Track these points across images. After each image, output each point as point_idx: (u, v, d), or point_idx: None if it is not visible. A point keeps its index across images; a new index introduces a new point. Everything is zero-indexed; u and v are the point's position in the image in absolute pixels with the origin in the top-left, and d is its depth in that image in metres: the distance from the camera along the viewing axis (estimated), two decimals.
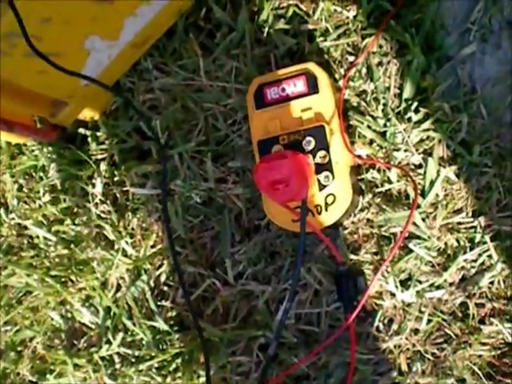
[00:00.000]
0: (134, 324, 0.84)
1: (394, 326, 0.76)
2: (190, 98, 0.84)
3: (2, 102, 0.73)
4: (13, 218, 0.94)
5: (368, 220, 0.77)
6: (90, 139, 0.89)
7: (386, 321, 0.76)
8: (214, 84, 0.84)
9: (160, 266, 0.85)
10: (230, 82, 0.83)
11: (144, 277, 0.85)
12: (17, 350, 0.93)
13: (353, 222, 0.77)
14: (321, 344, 0.75)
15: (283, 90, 0.74)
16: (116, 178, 0.87)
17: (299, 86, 0.74)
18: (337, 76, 0.80)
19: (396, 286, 0.75)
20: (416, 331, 0.75)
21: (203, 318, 0.82)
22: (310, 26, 0.81)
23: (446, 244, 0.75)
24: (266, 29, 0.82)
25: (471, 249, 0.74)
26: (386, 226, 0.76)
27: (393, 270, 0.75)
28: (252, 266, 0.80)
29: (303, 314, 0.78)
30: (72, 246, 0.89)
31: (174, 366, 0.82)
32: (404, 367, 0.75)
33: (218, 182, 0.83)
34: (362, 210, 0.77)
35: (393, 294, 0.75)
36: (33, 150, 0.92)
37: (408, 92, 0.77)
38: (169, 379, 0.82)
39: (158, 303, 0.84)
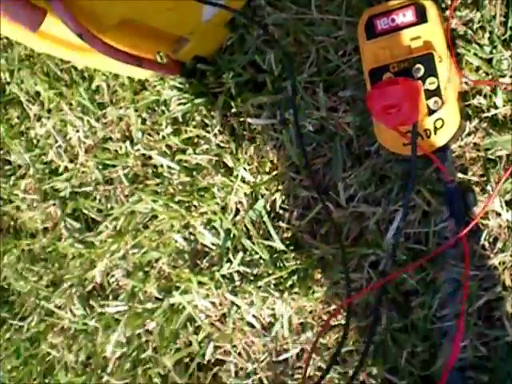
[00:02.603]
0: (253, 244, 0.94)
1: (499, 244, 0.82)
2: (301, 31, 0.91)
3: (132, 40, 0.83)
4: (138, 149, 1.05)
5: (475, 144, 0.83)
6: (208, 74, 0.98)
7: (491, 239, 0.82)
8: (324, 17, 0.90)
9: (276, 191, 0.94)
10: (341, 15, 0.89)
11: (261, 201, 0.94)
12: (144, 271, 1.05)
13: (460, 146, 0.83)
14: (430, 254, 0.82)
15: (393, 20, 0.80)
16: (233, 110, 0.96)
17: (408, 16, 0.79)
18: (443, 6, 0.85)
19: (501, 206, 0.80)
20: None
21: (316, 239, 0.90)
22: None
23: None
24: None
25: None
26: (492, 149, 0.81)
27: (498, 191, 0.80)
28: (363, 189, 0.88)
29: (412, 233, 0.85)
30: (194, 173, 0.99)
31: (290, 282, 0.91)
32: (508, 282, 0.81)
33: (330, 111, 0.90)
34: (468, 135, 0.83)
35: (498, 214, 0.81)
36: (155, 86, 1.02)
37: None
38: (286, 294, 0.91)
39: (275, 225, 0.93)
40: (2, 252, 1.24)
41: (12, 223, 1.26)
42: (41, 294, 1.18)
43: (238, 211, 0.96)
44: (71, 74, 1.15)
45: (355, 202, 0.88)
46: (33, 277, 1.20)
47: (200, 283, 0.98)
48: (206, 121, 0.98)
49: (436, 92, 0.77)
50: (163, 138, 1.02)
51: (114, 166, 1.08)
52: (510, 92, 0.81)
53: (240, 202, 0.96)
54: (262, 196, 0.94)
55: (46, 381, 1.18)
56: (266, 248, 0.93)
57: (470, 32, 0.83)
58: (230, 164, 0.96)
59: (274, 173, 0.94)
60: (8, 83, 1.26)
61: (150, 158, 1.04)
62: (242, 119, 0.96)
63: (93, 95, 1.11)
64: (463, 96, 0.82)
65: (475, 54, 0.82)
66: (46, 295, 1.17)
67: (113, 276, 1.10)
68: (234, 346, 0.96)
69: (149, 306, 1.03)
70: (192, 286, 0.98)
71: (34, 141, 1.21)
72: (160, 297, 1.03)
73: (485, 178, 0.82)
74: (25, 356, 1.21)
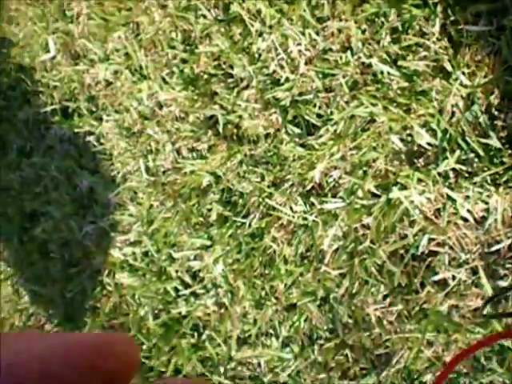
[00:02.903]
0: (469, 143, 1.02)
1: None
2: None
3: None
4: (358, 58, 1.15)
5: None
6: None
7: None
8: None
9: (491, 94, 1.01)
10: None
11: (477, 104, 1.02)
12: (363, 170, 1.15)
13: None
14: None
15: None
16: (451, 18, 1.03)
17: None
18: None
19: None
20: None
21: None
22: None
23: None
24: None
25: None
26: None
27: None
28: None
29: None
30: (414, 78, 1.08)
31: (505, 177, 0.99)
32: None
33: None
34: None
35: None
36: None
37: None
38: (501, 189, 0.99)
39: (491, 124, 1.01)
40: (226, 157, 1.39)
41: (235, 131, 1.40)
42: (263, 193, 1.32)
43: (453, 113, 1.04)
44: None
45: None
46: (255, 178, 1.34)
47: (418, 180, 1.07)
48: (425, 29, 1.06)
49: None
50: (383, 46, 1.11)
51: (334, 75, 1.19)
52: None
53: (456, 105, 1.04)
54: (478, 99, 1.02)
55: (267, 271, 1.33)
56: (482, 146, 1.01)
57: None
58: (449, 68, 1.04)
59: (490, 76, 1.01)
60: (230, 3, 1.39)
61: (369, 66, 1.13)
62: (459, 27, 1.03)
63: (313, 10, 1.22)
64: None
65: None
66: (268, 194, 1.31)
67: (331, 176, 1.22)
68: (449, 238, 1.06)
69: (366, 202, 1.14)
70: (410, 182, 1.08)
71: (256, 55, 1.34)
72: (378, 193, 1.13)
73: None
74: (246, 250, 1.36)
